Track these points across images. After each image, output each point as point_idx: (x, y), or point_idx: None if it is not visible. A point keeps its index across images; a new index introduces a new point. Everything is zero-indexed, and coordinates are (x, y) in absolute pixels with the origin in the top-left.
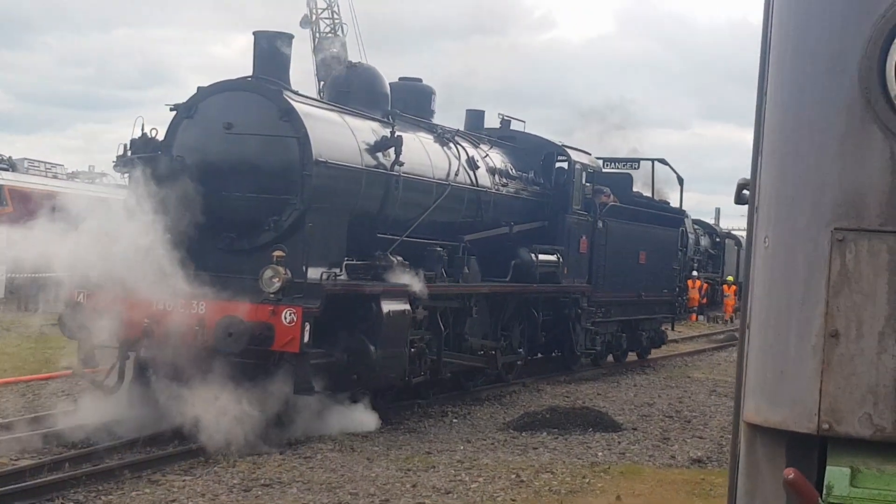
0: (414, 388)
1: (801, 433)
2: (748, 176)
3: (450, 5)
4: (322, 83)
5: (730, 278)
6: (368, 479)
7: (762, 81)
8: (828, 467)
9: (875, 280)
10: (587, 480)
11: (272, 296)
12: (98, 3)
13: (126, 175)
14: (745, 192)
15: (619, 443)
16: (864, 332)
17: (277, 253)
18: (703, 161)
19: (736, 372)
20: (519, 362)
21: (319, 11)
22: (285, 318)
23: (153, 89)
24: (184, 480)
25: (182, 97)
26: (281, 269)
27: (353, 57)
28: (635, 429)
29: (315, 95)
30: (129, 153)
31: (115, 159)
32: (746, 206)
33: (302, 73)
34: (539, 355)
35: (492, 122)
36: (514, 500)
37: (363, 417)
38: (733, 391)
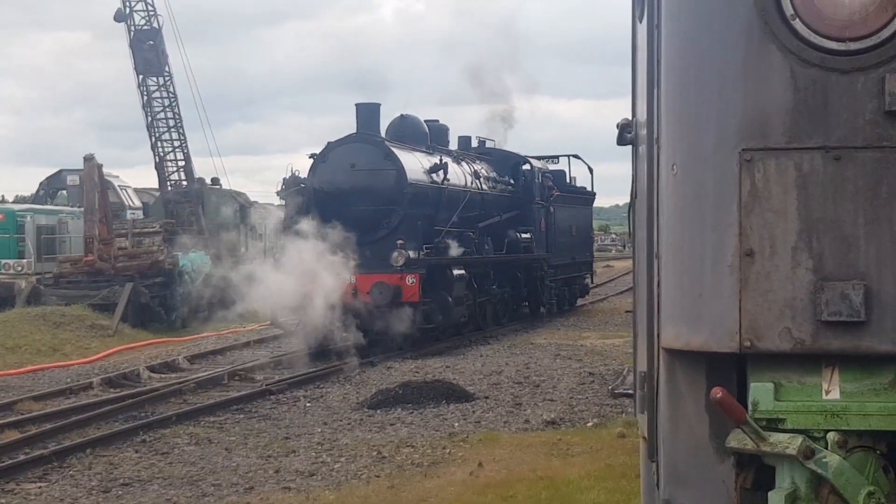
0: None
1: (721, 353)
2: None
3: None
4: (141, 77)
5: None
6: (230, 469)
7: (653, 16)
8: (751, 384)
9: (785, 197)
10: (447, 451)
11: (399, 268)
12: None
13: (283, 200)
14: (628, 133)
15: (474, 412)
16: (777, 249)
17: (400, 241)
18: (522, 134)
19: (647, 303)
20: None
21: (133, 4)
22: (408, 281)
23: None
24: (39, 487)
25: None
26: (403, 252)
27: (171, 48)
28: (487, 397)
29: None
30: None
31: (277, 191)
32: (629, 147)
33: (118, 71)
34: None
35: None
36: (378, 477)
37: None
38: (578, 354)
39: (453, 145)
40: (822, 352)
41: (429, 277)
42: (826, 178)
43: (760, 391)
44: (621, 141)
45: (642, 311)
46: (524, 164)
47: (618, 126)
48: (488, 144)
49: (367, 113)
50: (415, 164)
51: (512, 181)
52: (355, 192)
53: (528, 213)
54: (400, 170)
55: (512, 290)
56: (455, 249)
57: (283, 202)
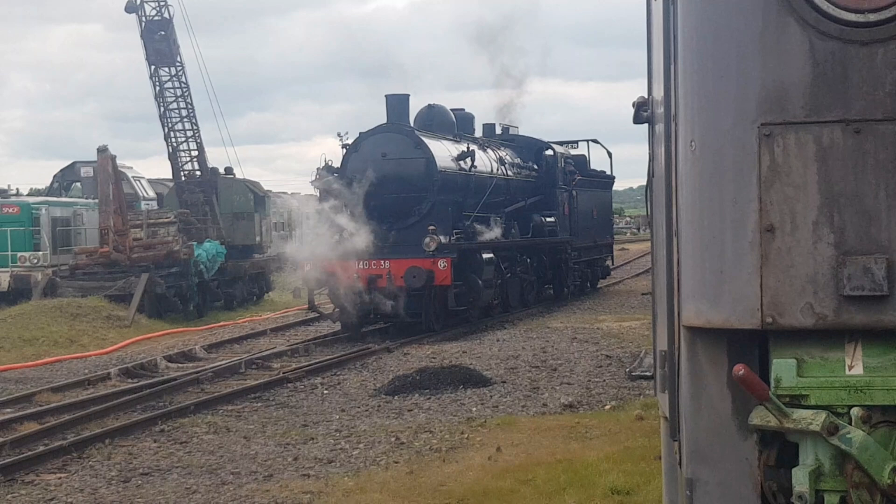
0: (490, 306)
1: (742, 330)
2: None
3: None
4: (153, 67)
5: None
6: (248, 457)
7: None
8: (773, 360)
9: (805, 172)
10: (466, 436)
11: (431, 252)
12: None
13: (318, 189)
14: (644, 111)
15: (491, 396)
16: (798, 224)
17: (431, 227)
18: (534, 118)
19: (667, 281)
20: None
21: None
22: (440, 265)
23: None
24: (59, 478)
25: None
26: (435, 237)
27: (182, 38)
28: (504, 382)
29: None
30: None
31: (311, 180)
32: (644, 129)
33: (129, 62)
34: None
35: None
36: (397, 462)
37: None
38: (594, 337)
39: (478, 132)
40: (844, 327)
41: (459, 261)
42: (846, 152)
43: (783, 368)
44: (637, 119)
45: (662, 289)
46: (547, 149)
47: (634, 104)
48: (511, 131)
49: (397, 103)
50: (443, 151)
51: (535, 167)
52: (387, 180)
53: (551, 197)
54: (430, 158)
55: (537, 272)
56: (483, 234)
57: (317, 191)
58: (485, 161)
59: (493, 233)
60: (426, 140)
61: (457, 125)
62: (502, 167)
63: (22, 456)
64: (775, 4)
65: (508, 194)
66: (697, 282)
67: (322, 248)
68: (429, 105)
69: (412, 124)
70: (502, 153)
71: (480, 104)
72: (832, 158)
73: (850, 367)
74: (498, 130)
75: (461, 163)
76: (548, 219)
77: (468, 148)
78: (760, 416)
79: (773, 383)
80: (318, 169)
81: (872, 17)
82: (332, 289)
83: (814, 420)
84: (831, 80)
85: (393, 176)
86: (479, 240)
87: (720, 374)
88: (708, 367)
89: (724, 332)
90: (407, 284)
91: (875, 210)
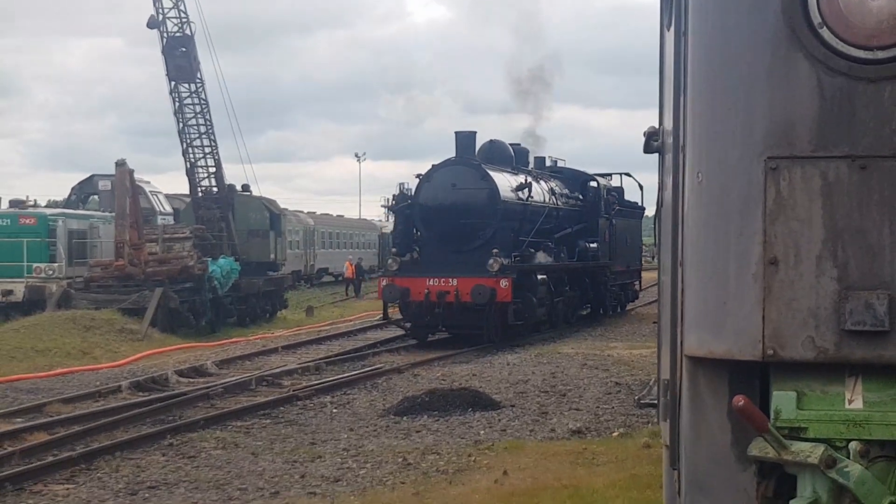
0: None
1: (743, 361)
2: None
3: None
4: (173, 83)
5: None
6: (255, 474)
7: (680, 24)
8: (773, 392)
9: (810, 206)
10: (473, 458)
11: (494, 273)
12: None
13: (391, 214)
14: (654, 141)
15: (500, 420)
16: (802, 258)
17: (495, 251)
18: (554, 143)
19: (671, 311)
20: (583, 312)
21: (166, 11)
22: (502, 284)
23: None
24: (67, 489)
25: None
26: (498, 259)
27: (203, 55)
28: (513, 406)
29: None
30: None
31: (387, 206)
32: (656, 155)
33: (150, 77)
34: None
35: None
36: (403, 483)
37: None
38: (604, 364)
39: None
40: (845, 361)
41: (517, 281)
42: (852, 187)
43: (783, 400)
44: (648, 149)
45: (666, 318)
46: (591, 181)
47: (645, 134)
48: (559, 163)
49: (465, 139)
50: (505, 183)
51: (581, 197)
52: (455, 207)
53: (594, 225)
54: (493, 189)
55: (580, 293)
56: (537, 257)
57: (392, 215)
58: (538, 192)
59: (546, 256)
60: (491, 172)
61: (514, 158)
62: (553, 197)
63: (31, 466)
64: (784, 39)
65: (558, 222)
66: (700, 312)
67: (397, 266)
68: (490, 140)
69: (476, 156)
70: (552, 184)
71: (501, 129)
72: (837, 193)
73: (850, 402)
74: (548, 163)
75: (519, 193)
76: (591, 245)
77: (525, 180)
78: (759, 448)
79: (772, 415)
80: (393, 195)
81: (881, 55)
82: (404, 301)
83: (812, 453)
84: (838, 115)
85: (461, 204)
86: (534, 262)
87: (720, 404)
88: (708, 397)
89: (726, 363)
90: (473, 300)
91: (879, 246)
